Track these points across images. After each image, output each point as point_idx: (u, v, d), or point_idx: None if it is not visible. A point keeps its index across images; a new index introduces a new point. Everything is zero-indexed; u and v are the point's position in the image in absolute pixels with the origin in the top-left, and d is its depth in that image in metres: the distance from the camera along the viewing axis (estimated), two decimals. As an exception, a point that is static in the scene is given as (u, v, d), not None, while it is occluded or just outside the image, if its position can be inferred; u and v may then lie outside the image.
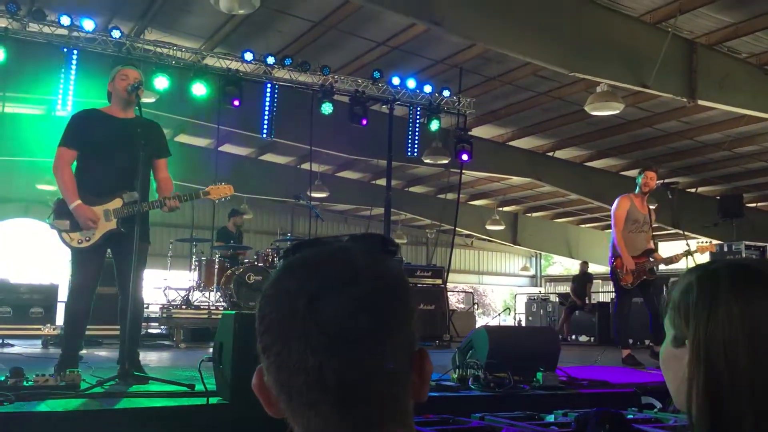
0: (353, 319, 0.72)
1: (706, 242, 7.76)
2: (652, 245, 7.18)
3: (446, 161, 12.09)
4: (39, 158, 14.09)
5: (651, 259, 7.07)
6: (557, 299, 16.80)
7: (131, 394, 3.38)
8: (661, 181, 7.38)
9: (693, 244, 7.43)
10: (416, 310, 0.79)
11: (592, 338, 13.79)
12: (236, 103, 9.15)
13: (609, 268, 7.15)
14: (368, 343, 0.72)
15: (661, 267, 7.73)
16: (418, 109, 10.53)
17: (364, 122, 9.93)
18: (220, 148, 14.26)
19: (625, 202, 7.12)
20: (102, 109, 4.54)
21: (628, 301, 7.16)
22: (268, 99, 9.70)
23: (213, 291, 9.46)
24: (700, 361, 0.89)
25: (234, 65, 9.33)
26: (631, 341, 7.46)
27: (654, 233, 7.43)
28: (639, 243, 7.07)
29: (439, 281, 10.19)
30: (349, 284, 0.73)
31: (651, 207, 7.43)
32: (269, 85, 9.67)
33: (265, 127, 9.82)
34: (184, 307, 9.29)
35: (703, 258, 7.62)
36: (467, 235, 22.86)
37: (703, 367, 0.88)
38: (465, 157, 10.72)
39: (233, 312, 3.29)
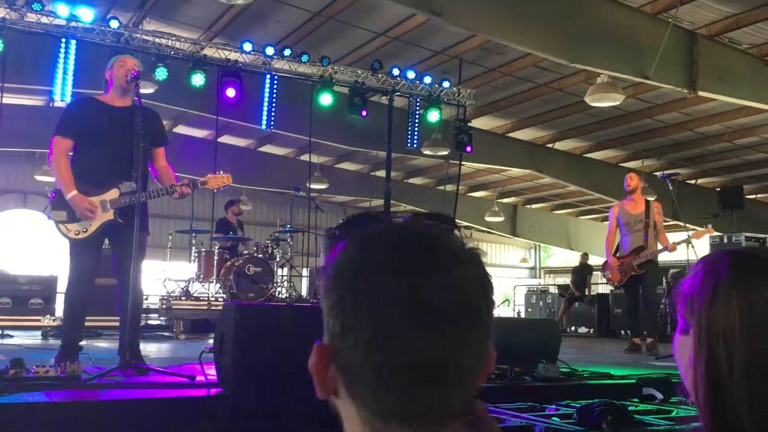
0: (461, 300, 0.70)
1: (703, 228, 8.04)
2: (643, 242, 7.48)
3: (446, 152, 12.07)
4: (37, 149, 14.07)
5: (639, 255, 7.46)
6: (557, 291, 16.82)
7: (131, 385, 3.37)
8: (661, 173, 7.67)
9: (671, 238, 7.70)
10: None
11: (592, 330, 13.81)
12: (231, 93, 9.10)
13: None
14: (471, 326, 0.71)
15: (663, 257, 8.06)
16: (418, 100, 10.50)
17: (364, 113, 9.90)
18: (219, 139, 14.19)
19: (614, 209, 7.86)
20: (98, 97, 4.50)
21: (628, 297, 7.86)
22: (267, 90, 9.66)
23: (212, 282, 9.45)
24: (702, 348, 0.90)
25: (233, 56, 9.29)
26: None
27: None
28: (631, 242, 7.56)
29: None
30: (455, 264, 0.72)
31: (650, 199, 7.72)
32: (268, 76, 9.64)
33: (265, 118, 9.79)
34: (183, 298, 9.28)
35: (702, 244, 7.89)
36: (466, 227, 22.81)
37: (705, 354, 0.89)
38: (467, 148, 10.70)
39: (235, 303, 3.28)
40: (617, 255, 7.70)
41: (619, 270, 7.55)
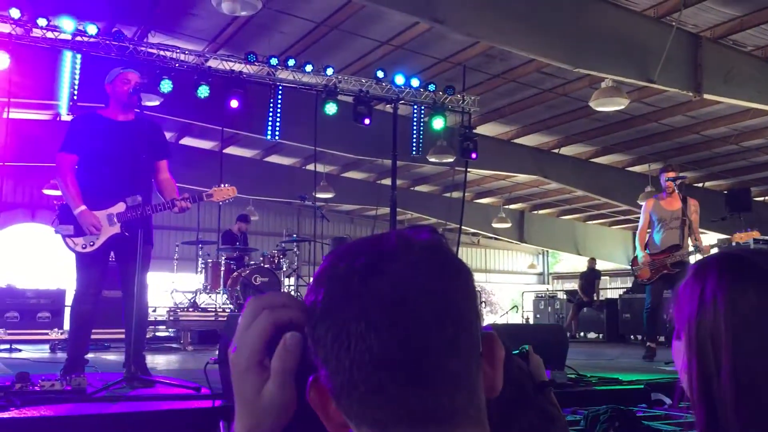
0: (413, 285, 0.66)
1: (746, 231, 7.63)
2: (679, 240, 7.22)
3: (451, 160, 12.06)
4: (45, 163, 14.14)
5: (675, 253, 7.15)
6: (565, 296, 16.76)
7: (136, 398, 3.37)
8: (674, 182, 7.52)
9: (704, 239, 7.50)
10: (475, 289, 0.73)
11: (601, 335, 13.75)
12: (235, 104, 9.12)
13: (621, 266, 7.50)
14: (432, 311, 0.66)
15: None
16: (422, 108, 10.50)
17: (369, 122, 9.90)
18: (225, 150, 14.27)
19: (647, 204, 7.50)
20: (101, 112, 4.53)
21: (654, 296, 7.31)
22: (272, 100, 9.68)
23: (220, 293, 9.46)
24: (692, 352, 0.91)
25: (237, 67, 9.32)
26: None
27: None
28: (665, 239, 7.25)
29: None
30: (403, 253, 0.68)
31: (689, 198, 7.48)
32: (273, 87, 9.66)
33: (270, 128, 9.81)
34: (191, 309, 9.29)
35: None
36: (473, 234, 22.81)
37: (695, 357, 0.90)
38: (473, 155, 10.68)
39: (240, 314, 3.27)
40: (648, 252, 7.34)
41: (651, 267, 7.17)
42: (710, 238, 7.64)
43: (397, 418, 0.66)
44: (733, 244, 9.61)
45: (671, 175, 7.38)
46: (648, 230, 7.43)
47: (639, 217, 7.82)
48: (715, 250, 7.03)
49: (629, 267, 7.56)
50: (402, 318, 0.65)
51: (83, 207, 4.21)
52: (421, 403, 0.66)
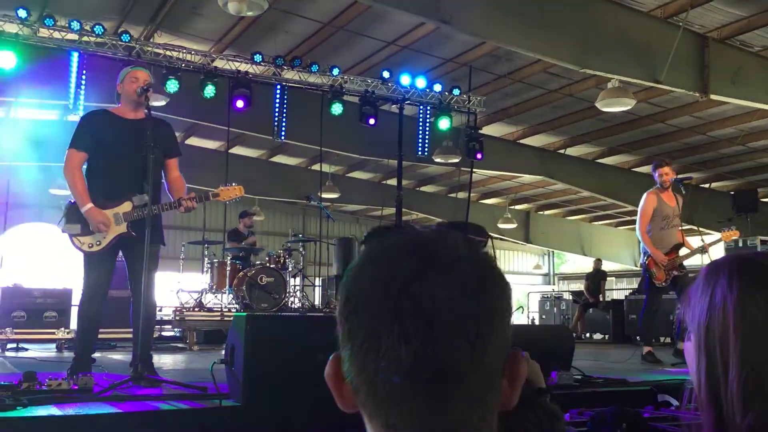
0: (455, 304, 0.66)
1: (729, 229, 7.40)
2: (681, 239, 6.97)
3: (457, 160, 12.05)
4: (52, 163, 14.18)
5: (681, 254, 6.88)
6: (571, 297, 16.72)
7: (143, 397, 3.37)
8: (674, 177, 7.22)
9: (708, 239, 7.28)
10: (512, 309, 0.74)
11: (607, 336, 13.71)
12: (240, 104, 9.14)
13: (637, 266, 7.03)
14: (469, 332, 0.66)
15: (691, 262, 7.39)
16: (428, 108, 10.50)
17: (374, 122, 9.91)
18: (231, 150, 14.28)
19: (651, 198, 6.97)
20: (112, 110, 4.53)
21: (658, 298, 7.01)
22: (278, 100, 9.70)
23: (225, 293, 9.47)
24: (701, 354, 0.92)
25: (243, 67, 9.34)
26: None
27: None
28: (670, 239, 6.91)
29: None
30: (451, 267, 0.68)
31: (678, 196, 7.13)
32: (279, 87, 9.67)
33: (276, 128, 9.83)
34: (197, 309, 9.30)
35: (717, 249, 7.48)
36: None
37: (704, 359, 0.91)
38: (479, 156, 10.68)
39: (245, 314, 3.28)
40: None
41: (665, 269, 6.77)
42: (712, 239, 7.44)
43: (409, 425, 0.67)
44: (733, 241, 9.46)
45: (668, 170, 6.99)
46: (648, 227, 7.01)
47: None
48: (720, 248, 6.82)
49: (636, 268, 7.23)
50: (437, 335, 0.65)
51: (91, 205, 4.21)
52: (437, 416, 0.66)
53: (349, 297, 0.70)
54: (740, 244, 10.48)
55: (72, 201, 4.34)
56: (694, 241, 7.25)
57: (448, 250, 0.70)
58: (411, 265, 0.68)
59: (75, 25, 8.09)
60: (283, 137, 10.02)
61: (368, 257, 0.72)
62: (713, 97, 9.70)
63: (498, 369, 0.70)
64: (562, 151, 14.98)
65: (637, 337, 9.00)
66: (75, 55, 8.27)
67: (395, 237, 0.73)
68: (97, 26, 8.19)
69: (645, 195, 7.07)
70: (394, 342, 0.65)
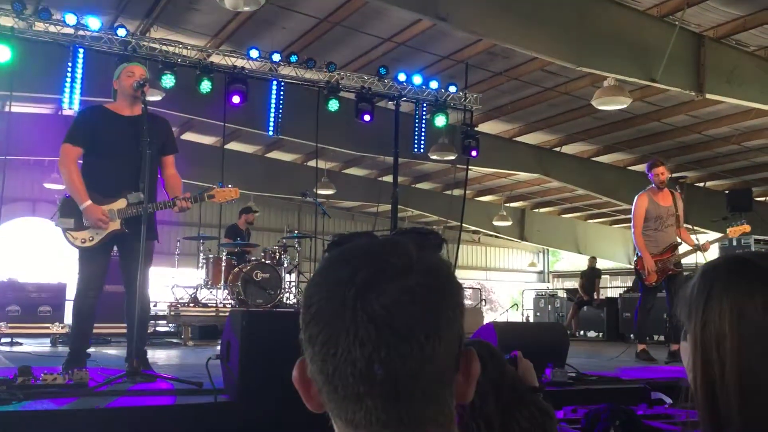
0: (405, 311, 0.71)
1: (738, 224, 7.31)
2: (678, 239, 6.96)
3: (453, 157, 12.06)
4: (46, 157, 14.14)
5: (676, 253, 6.88)
6: (565, 295, 16.77)
7: (138, 393, 3.37)
8: (669, 176, 7.22)
9: (702, 238, 7.29)
10: (464, 309, 0.78)
11: (601, 334, 13.76)
12: (236, 100, 9.12)
13: (632, 265, 6.98)
14: (418, 336, 0.71)
15: (688, 260, 7.31)
16: (425, 105, 10.50)
17: (371, 119, 9.90)
18: (226, 146, 14.26)
19: (642, 200, 6.99)
20: (108, 106, 4.51)
21: (652, 297, 7.03)
22: (274, 96, 9.68)
23: (220, 289, 9.47)
24: (697, 354, 0.92)
25: (240, 62, 9.31)
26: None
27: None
28: (664, 239, 6.90)
29: (446, 277, 10.12)
30: (402, 275, 0.73)
31: (676, 195, 7.12)
32: (275, 83, 9.66)
33: (272, 124, 9.81)
34: (191, 305, 9.30)
35: (712, 248, 7.45)
36: (474, 231, 22.82)
37: (700, 358, 0.92)
38: (474, 153, 10.68)
39: (241, 310, 3.28)
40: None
41: (656, 271, 6.78)
42: (709, 238, 7.42)
43: (368, 423, 0.72)
44: (728, 240, 9.46)
45: (662, 169, 7.00)
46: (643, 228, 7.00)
47: None
48: (715, 247, 6.82)
49: (630, 266, 7.21)
50: (388, 340, 0.70)
51: (89, 201, 4.19)
52: (394, 414, 0.71)
53: (309, 304, 0.75)
54: (734, 243, 10.50)
55: (67, 195, 4.32)
56: (700, 239, 7.20)
57: (400, 258, 0.75)
58: (365, 273, 0.73)
59: (70, 19, 8.05)
60: (274, 133, 9.97)
61: (328, 265, 0.77)
62: (709, 96, 9.72)
63: (451, 366, 0.75)
64: (557, 149, 15.00)
65: (631, 336, 9.02)
66: (70, 50, 8.22)
67: (352, 247, 0.78)
68: (92, 20, 8.15)
69: (636, 198, 7.09)
70: (350, 346, 0.70)
